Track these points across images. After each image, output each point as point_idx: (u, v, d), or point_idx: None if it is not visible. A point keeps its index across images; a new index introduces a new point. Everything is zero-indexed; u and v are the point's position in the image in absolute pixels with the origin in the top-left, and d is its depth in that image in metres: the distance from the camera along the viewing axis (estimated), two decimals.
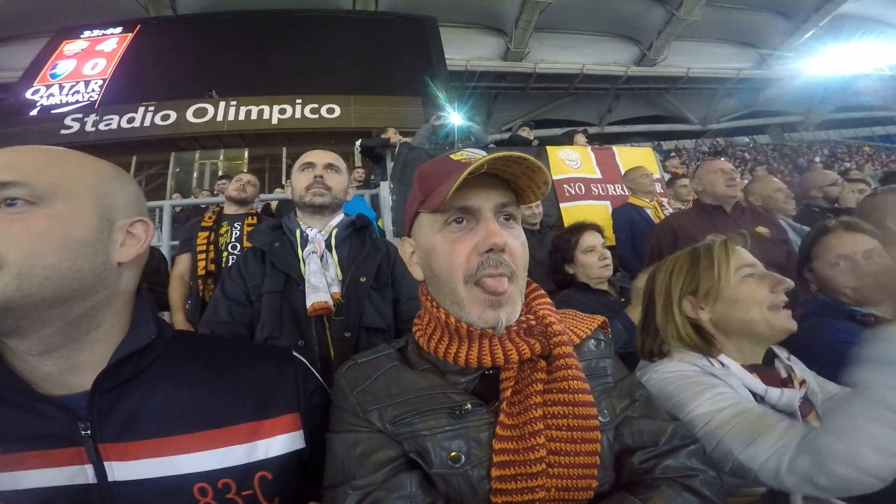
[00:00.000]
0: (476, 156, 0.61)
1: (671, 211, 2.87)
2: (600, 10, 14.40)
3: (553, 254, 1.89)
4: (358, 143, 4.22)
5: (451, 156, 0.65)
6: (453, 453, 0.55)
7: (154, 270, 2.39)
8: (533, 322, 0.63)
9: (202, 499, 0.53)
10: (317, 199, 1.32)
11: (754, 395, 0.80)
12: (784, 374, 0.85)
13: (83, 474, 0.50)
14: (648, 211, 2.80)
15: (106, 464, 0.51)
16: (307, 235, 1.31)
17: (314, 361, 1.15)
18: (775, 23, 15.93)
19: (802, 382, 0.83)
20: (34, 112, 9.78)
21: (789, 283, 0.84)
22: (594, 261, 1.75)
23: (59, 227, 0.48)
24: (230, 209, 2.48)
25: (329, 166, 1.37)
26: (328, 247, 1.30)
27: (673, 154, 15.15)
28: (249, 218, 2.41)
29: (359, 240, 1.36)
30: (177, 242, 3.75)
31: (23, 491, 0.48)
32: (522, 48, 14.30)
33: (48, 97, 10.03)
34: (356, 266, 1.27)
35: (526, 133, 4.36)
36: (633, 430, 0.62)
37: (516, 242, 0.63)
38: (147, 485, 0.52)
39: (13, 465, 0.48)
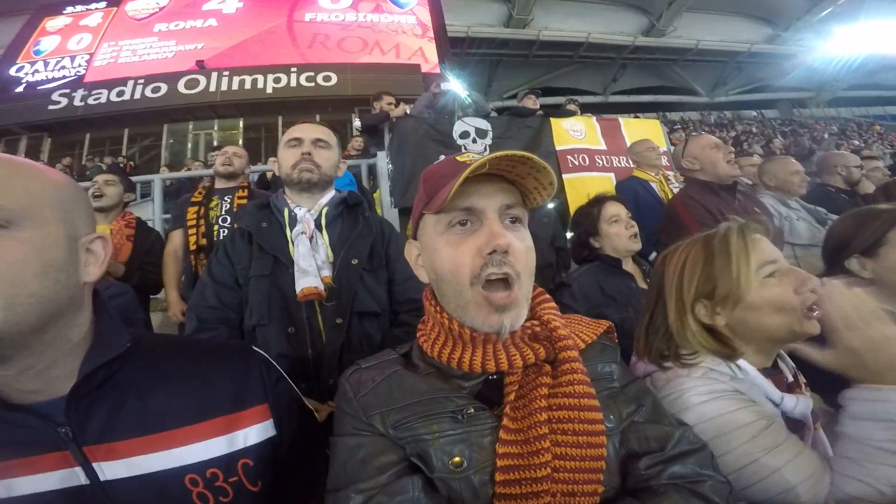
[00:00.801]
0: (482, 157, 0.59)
1: (678, 185, 2.77)
2: None
3: (575, 228, 1.78)
4: (357, 123, 4.07)
5: (457, 157, 0.64)
6: (456, 458, 0.55)
7: (148, 250, 2.33)
8: (538, 328, 0.62)
9: (194, 489, 0.56)
10: (304, 174, 1.25)
11: (770, 401, 0.75)
12: (790, 378, 0.81)
13: (74, 477, 0.52)
14: (654, 185, 2.71)
15: (94, 465, 0.53)
16: (296, 215, 1.25)
17: (305, 349, 1.12)
18: None
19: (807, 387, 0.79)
20: (20, 89, 9.71)
21: (815, 281, 0.76)
22: (621, 230, 1.63)
23: (36, 253, 0.48)
24: (220, 183, 2.43)
25: (317, 141, 1.30)
26: (318, 227, 1.23)
27: (678, 126, 14.81)
28: (240, 191, 2.36)
29: (351, 218, 1.29)
30: (169, 216, 3.72)
31: (17, 498, 0.49)
32: (526, 15, 13.73)
33: (33, 73, 9.95)
34: (348, 247, 1.22)
35: (532, 103, 4.14)
36: (640, 436, 0.61)
37: (521, 245, 0.62)
38: (139, 481, 0.54)
39: (3, 474, 0.49)
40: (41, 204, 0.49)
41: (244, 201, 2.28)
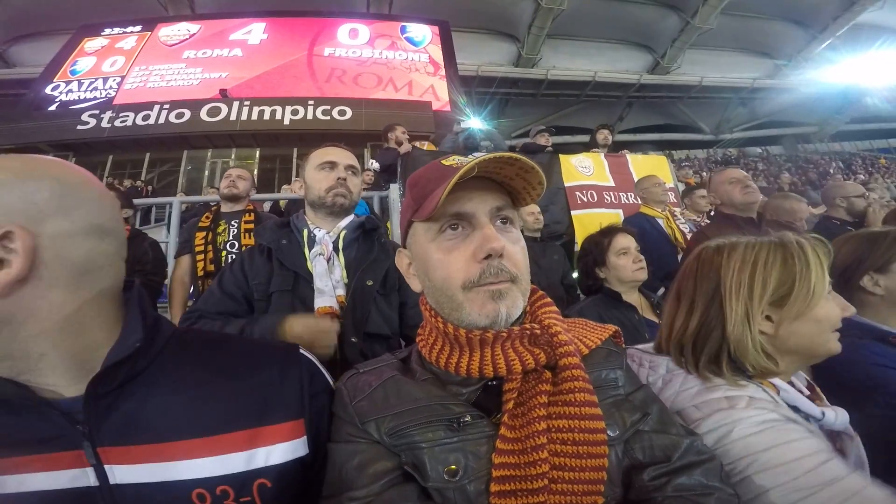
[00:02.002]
0: (468, 160, 0.59)
1: (684, 222, 2.81)
2: (614, 17, 14.37)
3: (583, 257, 1.81)
4: (373, 164, 4.17)
5: (443, 161, 0.63)
6: (451, 466, 0.53)
7: (140, 257, 2.32)
8: (538, 331, 0.60)
9: None
10: (339, 199, 1.29)
11: (807, 417, 0.71)
12: (806, 392, 0.79)
13: (85, 477, 0.51)
14: (660, 221, 2.75)
15: (106, 467, 0.51)
16: (314, 236, 1.28)
17: (324, 364, 1.13)
18: (792, 32, 15.75)
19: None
20: (53, 107, 9.98)
21: (852, 309, 0.79)
22: (628, 263, 1.66)
23: None
24: (226, 207, 2.48)
25: (349, 167, 1.35)
26: (335, 249, 1.27)
27: (686, 163, 14.99)
28: (247, 215, 2.41)
29: (367, 242, 1.33)
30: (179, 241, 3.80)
31: (27, 494, 0.48)
32: (535, 54, 14.29)
33: (67, 93, 10.24)
34: (363, 269, 1.25)
35: (545, 140, 4.20)
36: (645, 445, 0.58)
37: (515, 247, 0.61)
38: (147, 489, 0.52)
39: (18, 469, 0.49)
40: None
41: (251, 225, 2.33)
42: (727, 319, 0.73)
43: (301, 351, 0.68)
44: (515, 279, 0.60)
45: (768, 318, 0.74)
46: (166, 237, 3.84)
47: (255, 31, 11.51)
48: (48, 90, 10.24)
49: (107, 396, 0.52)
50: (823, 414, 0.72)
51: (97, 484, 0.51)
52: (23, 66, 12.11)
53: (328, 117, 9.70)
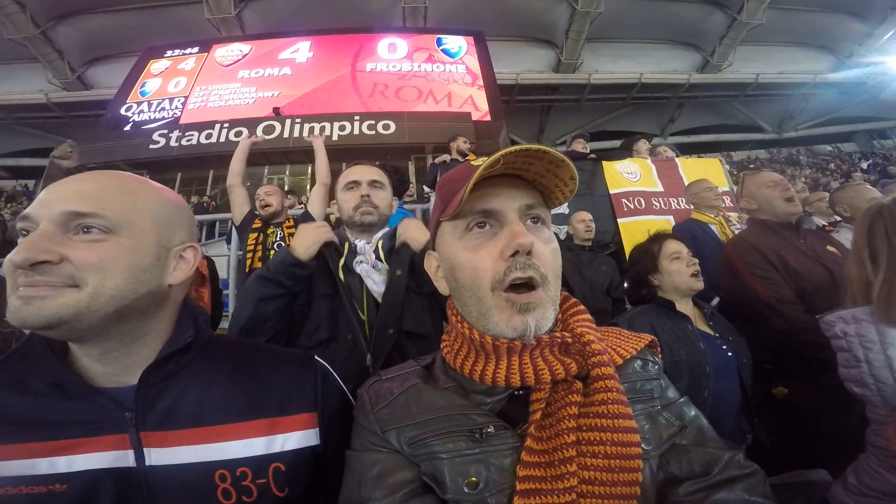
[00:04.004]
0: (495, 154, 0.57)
1: (739, 227, 2.66)
2: (655, 17, 13.86)
3: (632, 266, 1.74)
4: (426, 188, 4.35)
5: (472, 162, 0.60)
6: (472, 479, 0.51)
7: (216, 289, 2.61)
8: (569, 339, 0.57)
9: (221, 484, 0.59)
10: (366, 217, 1.34)
11: None
12: None
13: (125, 459, 0.57)
14: (713, 227, 2.62)
15: (145, 450, 0.58)
16: (355, 246, 1.35)
17: (363, 361, 1.21)
18: (848, 24, 14.47)
19: None
20: (127, 127, 10.75)
21: None
22: (682, 267, 1.59)
23: (126, 255, 0.56)
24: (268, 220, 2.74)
25: (373, 183, 1.39)
26: (378, 258, 1.34)
27: (752, 165, 14.04)
28: (287, 221, 2.70)
29: (406, 250, 1.36)
30: (241, 252, 4.10)
31: (74, 473, 0.55)
32: (575, 59, 14.02)
33: (139, 113, 10.98)
34: (394, 262, 1.31)
35: (581, 146, 4.16)
36: (682, 459, 0.56)
37: (546, 247, 0.59)
38: (177, 470, 0.58)
39: (69, 450, 0.55)
40: (141, 216, 0.59)
41: (292, 230, 2.57)
42: None
43: (316, 357, 0.76)
44: (544, 280, 0.57)
45: None
46: (227, 250, 4.15)
47: (301, 49, 12.00)
48: (122, 111, 11.03)
49: (154, 386, 0.60)
50: None
51: (135, 465, 0.57)
52: (98, 87, 13.33)
53: (373, 132, 9.98)
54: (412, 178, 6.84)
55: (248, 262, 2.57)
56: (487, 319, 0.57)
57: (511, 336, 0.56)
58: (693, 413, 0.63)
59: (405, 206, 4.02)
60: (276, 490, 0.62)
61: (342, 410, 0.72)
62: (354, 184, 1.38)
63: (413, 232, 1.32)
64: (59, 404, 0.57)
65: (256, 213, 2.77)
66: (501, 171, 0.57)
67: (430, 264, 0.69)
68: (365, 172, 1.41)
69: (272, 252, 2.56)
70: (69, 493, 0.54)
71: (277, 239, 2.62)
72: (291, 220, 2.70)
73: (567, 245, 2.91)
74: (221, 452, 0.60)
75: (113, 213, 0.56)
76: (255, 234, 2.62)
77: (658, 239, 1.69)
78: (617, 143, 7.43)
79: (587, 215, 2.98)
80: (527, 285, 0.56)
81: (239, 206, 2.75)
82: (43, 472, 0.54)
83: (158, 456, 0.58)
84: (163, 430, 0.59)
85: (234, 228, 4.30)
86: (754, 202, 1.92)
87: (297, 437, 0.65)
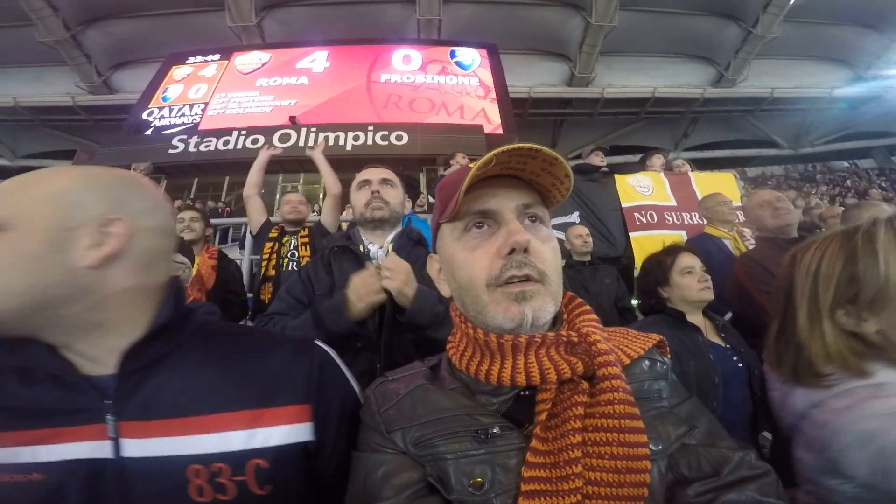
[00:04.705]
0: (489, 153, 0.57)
1: (752, 242, 2.63)
2: (669, 31, 13.87)
3: (643, 277, 1.77)
4: (432, 199, 4.39)
5: (470, 164, 0.61)
6: (477, 479, 0.51)
7: (228, 279, 2.74)
8: (575, 338, 0.57)
9: (195, 479, 0.55)
10: (376, 213, 1.37)
11: None
12: None
13: (102, 449, 0.55)
14: (727, 242, 2.60)
15: (122, 440, 0.56)
16: (368, 251, 1.37)
17: (372, 363, 1.19)
18: (865, 37, 14.31)
19: None
20: (148, 132, 10.96)
21: None
22: (693, 282, 1.61)
23: (10, 250, 0.52)
24: (288, 226, 2.86)
25: (384, 181, 1.43)
26: None
27: (770, 181, 13.85)
28: (302, 230, 2.78)
29: (414, 253, 1.37)
30: (257, 257, 4.18)
31: (54, 463, 0.54)
32: (588, 73, 14.07)
33: (160, 119, 11.19)
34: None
35: (599, 160, 4.07)
36: (691, 459, 0.55)
37: (544, 246, 0.59)
38: (151, 462, 0.55)
39: (50, 439, 0.55)
40: (29, 206, 0.54)
41: (306, 239, 2.69)
42: (797, 325, 0.74)
43: (318, 343, 0.70)
44: (543, 278, 0.57)
45: (863, 318, 0.69)
46: (240, 255, 4.22)
47: (318, 59, 12.20)
48: (144, 115, 11.26)
49: (136, 374, 0.57)
50: None
51: (111, 456, 0.55)
52: (123, 91, 13.71)
53: (386, 142, 10.09)
54: (423, 190, 6.88)
55: (263, 269, 2.65)
56: (485, 315, 0.58)
57: (509, 327, 0.56)
58: (702, 412, 0.62)
59: (417, 215, 4.05)
60: (256, 488, 0.57)
61: (348, 405, 0.68)
62: (365, 182, 1.42)
63: (399, 283, 1.14)
64: (49, 393, 0.57)
65: (275, 220, 2.87)
66: (497, 171, 0.58)
67: (433, 268, 0.70)
68: (376, 172, 1.45)
69: (286, 260, 2.65)
70: (45, 484, 0.53)
71: (291, 248, 2.72)
72: (306, 230, 2.78)
73: (567, 262, 2.92)
74: (196, 446, 0.56)
75: (2, 210, 0.53)
76: (272, 244, 2.71)
77: (672, 252, 1.71)
78: (630, 157, 7.39)
79: (583, 230, 3.00)
80: (524, 281, 0.57)
81: (256, 217, 2.86)
82: (24, 461, 0.53)
83: (135, 447, 0.56)
84: (143, 420, 0.56)
85: (247, 234, 4.42)
86: (752, 223, 2.00)
87: (282, 432, 0.60)
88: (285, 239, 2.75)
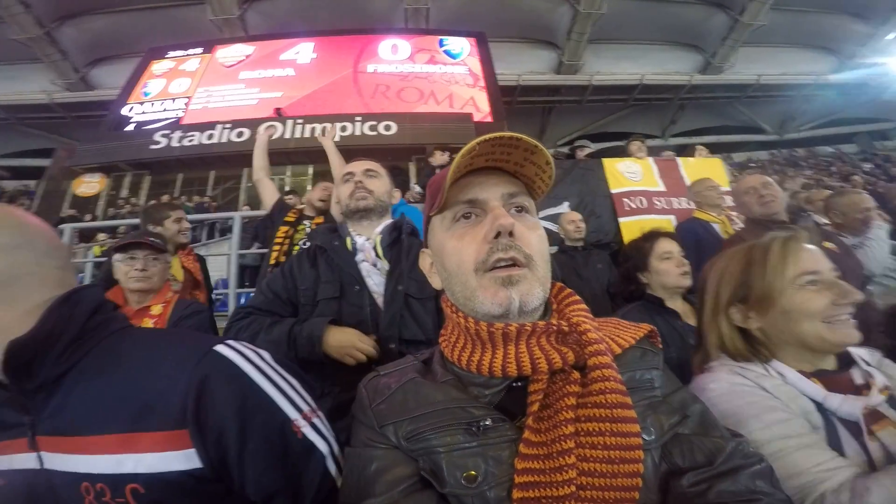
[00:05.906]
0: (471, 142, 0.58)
1: (741, 226, 2.65)
2: (657, 18, 13.90)
3: (624, 262, 1.78)
4: (417, 188, 4.33)
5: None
6: (470, 472, 0.51)
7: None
8: (566, 328, 0.56)
9: (87, 496, 0.56)
10: (360, 202, 1.36)
11: (813, 401, 0.76)
12: (860, 381, 0.78)
13: (31, 461, 0.59)
14: (716, 226, 2.62)
15: (43, 453, 0.59)
16: (356, 243, 1.34)
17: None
18: (851, 25, 14.53)
19: (884, 389, 0.74)
20: (129, 128, 10.78)
21: (858, 295, 0.77)
22: (671, 267, 1.61)
23: None
24: (309, 211, 2.70)
25: (367, 171, 1.41)
26: (378, 255, 1.32)
27: (752, 164, 14.01)
28: (318, 217, 2.64)
29: (407, 245, 1.35)
30: (245, 251, 4.11)
31: (7, 471, 0.60)
32: (577, 60, 14.05)
33: (141, 114, 11.01)
34: (396, 276, 1.28)
35: (584, 153, 4.13)
36: (684, 449, 0.55)
37: (530, 233, 0.60)
38: (60, 476, 0.58)
39: (5, 450, 0.60)
40: None
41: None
42: (702, 317, 0.92)
43: (216, 350, 0.63)
44: (530, 262, 0.57)
45: (749, 315, 0.85)
46: (229, 249, 4.16)
47: (303, 50, 12.03)
48: (124, 111, 11.05)
49: (41, 390, 0.59)
50: (825, 398, 0.75)
51: (37, 467, 0.59)
52: (101, 87, 13.34)
53: (375, 132, 10.01)
54: (413, 179, 6.83)
55: (275, 255, 2.46)
56: (474, 301, 0.58)
57: (497, 312, 0.56)
58: (695, 401, 0.61)
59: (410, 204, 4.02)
60: None
61: (258, 420, 0.61)
62: (349, 175, 1.42)
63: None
64: (1, 409, 0.61)
65: (289, 201, 2.69)
66: (483, 163, 0.60)
67: (425, 262, 0.71)
68: (359, 164, 1.44)
69: (297, 248, 2.48)
70: (6, 490, 0.59)
71: (305, 236, 2.54)
72: (322, 218, 2.61)
73: (560, 247, 2.92)
74: (84, 465, 0.56)
75: None
76: (287, 228, 2.55)
77: (651, 237, 1.71)
78: (619, 143, 7.41)
79: (576, 215, 2.99)
80: (511, 266, 0.57)
81: (269, 196, 2.72)
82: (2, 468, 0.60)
83: (52, 460, 0.58)
84: (52, 436, 0.59)
85: (234, 227, 4.33)
86: (739, 209, 2.08)
87: (154, 459, 0.56)
88: (300, 226, 2.58)
